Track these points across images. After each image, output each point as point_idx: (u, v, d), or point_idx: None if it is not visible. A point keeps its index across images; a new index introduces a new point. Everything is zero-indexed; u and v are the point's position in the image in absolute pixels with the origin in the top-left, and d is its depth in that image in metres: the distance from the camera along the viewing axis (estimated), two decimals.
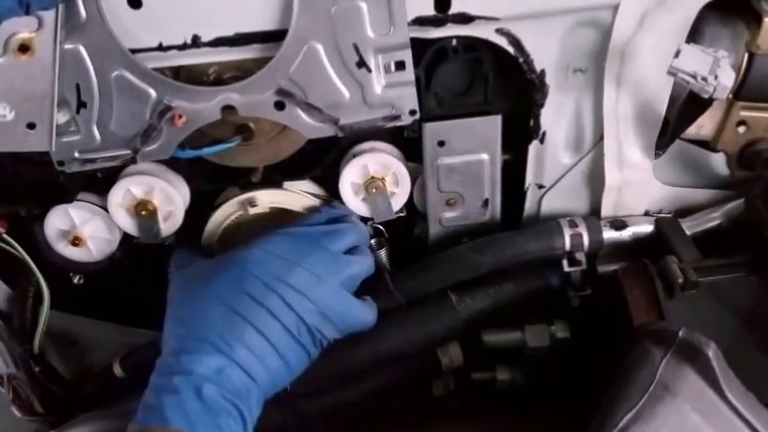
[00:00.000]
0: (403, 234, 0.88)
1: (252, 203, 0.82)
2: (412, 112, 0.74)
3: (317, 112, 0.73)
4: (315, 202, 0.83)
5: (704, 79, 0.69)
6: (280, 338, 0.71)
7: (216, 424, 0.65)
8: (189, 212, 0.83)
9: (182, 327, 0.72)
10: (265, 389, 0.71)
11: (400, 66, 0.71)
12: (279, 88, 0.71)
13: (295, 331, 0.72)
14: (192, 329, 0.71)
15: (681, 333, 0.66)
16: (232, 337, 0.69)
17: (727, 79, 0.69)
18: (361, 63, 0.70)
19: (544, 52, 0.74)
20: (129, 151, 0.73)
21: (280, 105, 0.72)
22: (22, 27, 0.63)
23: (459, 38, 0.73)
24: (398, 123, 0.75)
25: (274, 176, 0.83)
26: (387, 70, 0.71)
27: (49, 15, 0.63)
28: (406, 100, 0.73)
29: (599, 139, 0.80)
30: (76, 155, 0.74)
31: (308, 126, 0.74)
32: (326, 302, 0.73)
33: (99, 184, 0.81)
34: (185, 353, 0.69)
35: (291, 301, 0.72)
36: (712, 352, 0.64)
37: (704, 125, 0.79)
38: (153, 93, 0.70)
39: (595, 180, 0.83)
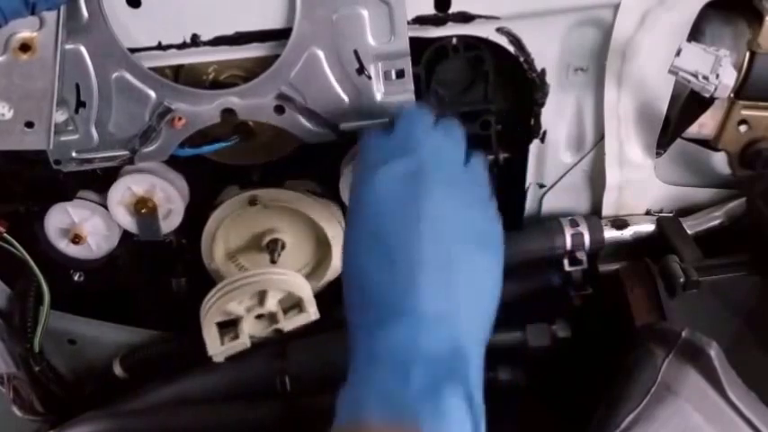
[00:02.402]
0: None
1: (252, 202, 0.82)
2: None
3: (316, 117, 0.73)
4: (315, 200, 0.83)
5: (705, 78, 0.68)
6: (470, 269, 0.56)
7: (435, 409, 0.50)
8: (189, 210, 0.83)
9: (359, 288, 0.57)
10: (478, 336, 0.55)
11: (400, 74, 0.72)
12: (279, 93, 0.71)
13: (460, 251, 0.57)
14: (361, 301, 0.56)
15: (683, 333, 0.66)
16: (417, 290, 0.54)
17: (728, 78, 0.69)
18: (362, 70, 0.71)
19: (545, 51, 0.74)
20: (126, 152, 0.73)
21: (279, 110, 0.72)
22: (23, 26, 0.63)
23: (459, 37, 0.73)
24: None
25: (274, 175, 0.83)
26: (387, 78, 0.72)
27: (50, 15, 0.63)
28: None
29: (600, 138, 0.80)
30: (74, 154, 0.74)
31: (307, 131, 0.74)
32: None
33: (99, 181, 0.81)
34: (366, 324, 0.54)
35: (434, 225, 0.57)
36: (714, 352, 0.64)
37: (705, 124, 0.79)
38: (153, 94, 0.70)
39: (596, 179, 0.83)
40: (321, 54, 0.69)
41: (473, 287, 0.56)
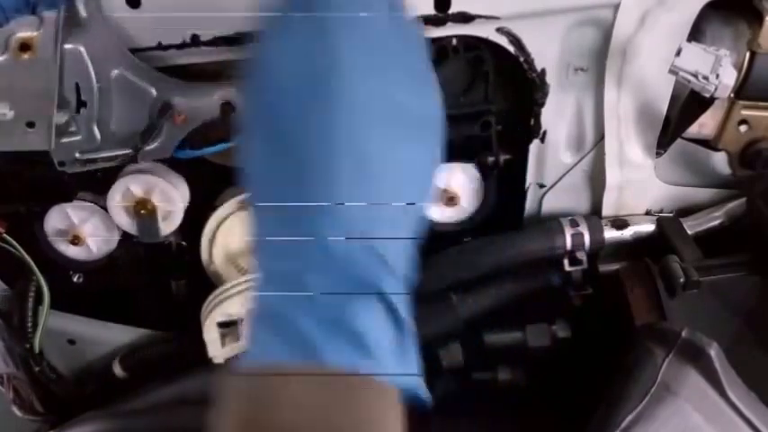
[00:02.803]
0: None
1: None
2: None
3: None
4: None
5: (705, 78, 0.68)
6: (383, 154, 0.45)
7: (345, 332, 0.41)
8: (188, 212, 0.83)
9: (258, 191, 0.46)
10: (401, 241, 0.45)
11: None
12: None
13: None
14: (270, 190, 0.45)
15: (684, 333, 0.66)
16: (326, 189, 0.43)
17: (728, 78, 0.69)
18: None
19: (545, 51, 0.74)
20: (129, 150, 0.73)
21: None
22: (23, 26, 0.63)
23: (459, 37, 0.73)
24: None
25: None
26: None
27: (50, 15, 0.63)
28: None
29: (600, 138, 0.80)
30: (77, 155, 0.74)
31: None
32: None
33: (98, 182, 0.81)
34: (263, 233, 0.45)
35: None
36: (714, 352, 0.64)
37: (706, 124, 0.79)
38: (153, 91, 0.71)
39: (596, 179, 0.83)
40: None
41: (397, 182, 0.45)
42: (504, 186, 0.85)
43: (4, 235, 0.80)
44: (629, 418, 0.63)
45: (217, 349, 0.82)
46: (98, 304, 0.94)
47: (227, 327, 0.83)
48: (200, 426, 0.86)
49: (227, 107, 0.72)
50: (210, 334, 0.82)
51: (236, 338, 0.82)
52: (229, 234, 0.86)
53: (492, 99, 0.79)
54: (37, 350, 0.87)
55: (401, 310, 0.43)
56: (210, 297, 0.82)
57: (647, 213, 0.84)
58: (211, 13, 0.68)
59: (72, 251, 0.85)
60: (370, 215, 0.43)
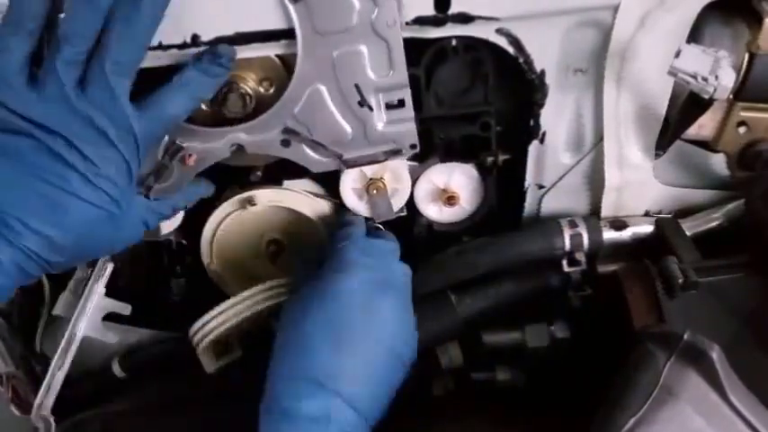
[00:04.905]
0: (403, 234, 0.88)
1: (251, 202, 0.82)
2: (412, 146, 0.77)
3: (321, 148, 0.75)
4: (314, 200, 0.83)
5: (705, 79, 0.68)
6: (381, 364, 0.70)
7: None
8: (188, 211, 0.83)
9: (285, 365, 0.69)
10: (372, 420, 0.69)
11: (400, 103, 0.73)
12: (285, 127, 0.73)
13: (391, 353, 0.71)
14: (295, 367, 0.68)
15: (686, 336, 0.66)
16: (336, 372, 0.67)
17: (727, 79, 0.69)
18: (363, 102, 0.72)
19: (544, 52, 0.74)
20: (141, 189, 0.74)
21: (286, 143, 0.74)
22: None
23: (459, 38, 0.73)
24: (399, 157, 0.77)
25: (274, 175, 0.83)
26: (387, 108, 0.74)
27: None
28: (407, 135, 0.75)
29: (599, 139, 0.80)
30: None
31: (313, 161, 0.76)
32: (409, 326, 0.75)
33: None
34: (290, 395, 0.67)
35: (384, 326, 0.71)
36: (716, 355, 0.64)
37: (704, 125, 0.79)
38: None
39: (595, 180, 0.83)
40: (324, 89, 0.71)
41: (382, 384, 0.70)
42: (504, 187, 0.85)
43: None
44: (632, 421, 0.63)
45: (212, 365, 0.83)
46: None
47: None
48: (199, 424, 0.86)
49: (237, 150, 0.74)
50: (205, 355, 0.83)
51: (230, 350, 0.83)
52: (229, 233, 0.87)
53: (491, 100, 0.79)
54: (37, 349, 0.87)
55: None
56: (203, 321, 0.82)
57: (646, 214, 0.85)
58: (212, 13, 0.68)
59: None
60: (359, 397, 0.67)
